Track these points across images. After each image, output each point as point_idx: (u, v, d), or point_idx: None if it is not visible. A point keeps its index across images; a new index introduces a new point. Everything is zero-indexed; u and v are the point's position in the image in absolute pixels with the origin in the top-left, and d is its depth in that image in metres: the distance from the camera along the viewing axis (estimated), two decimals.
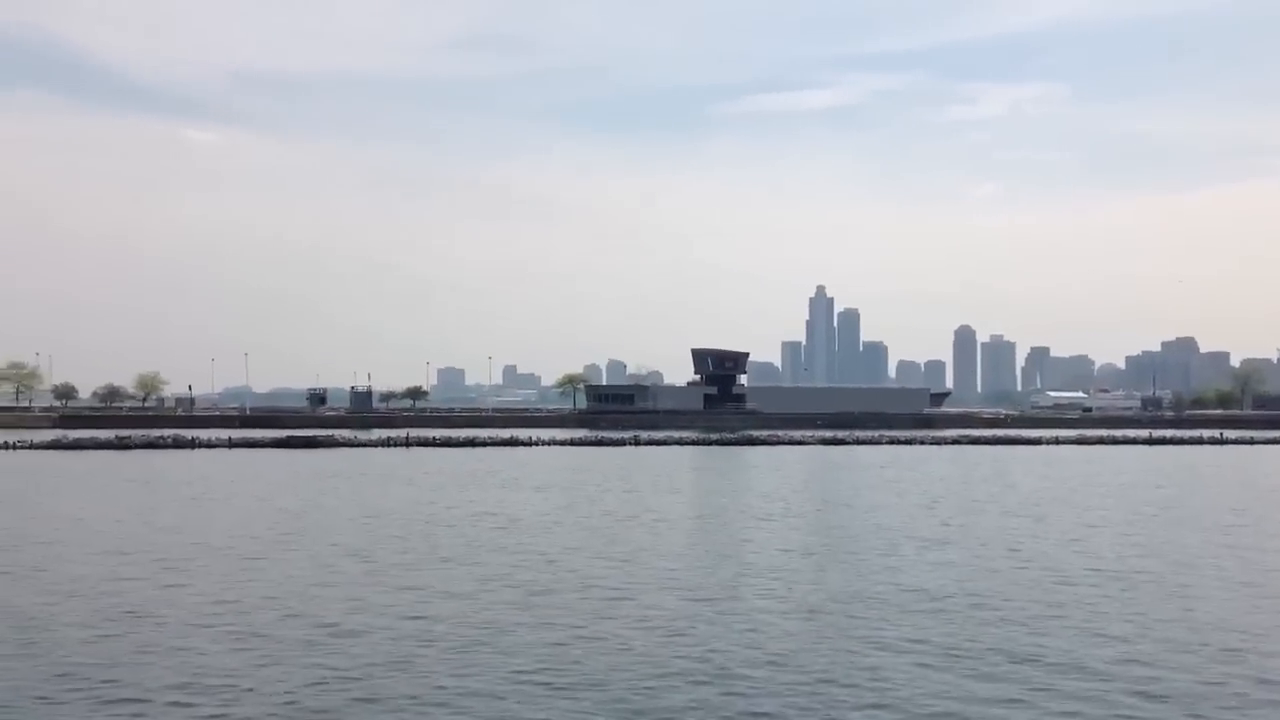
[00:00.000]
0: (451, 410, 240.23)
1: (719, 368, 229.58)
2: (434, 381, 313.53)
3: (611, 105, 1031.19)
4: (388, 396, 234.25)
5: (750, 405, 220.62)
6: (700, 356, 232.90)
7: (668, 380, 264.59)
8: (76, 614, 27.74)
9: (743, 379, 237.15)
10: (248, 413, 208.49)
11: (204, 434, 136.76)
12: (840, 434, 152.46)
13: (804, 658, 23.63)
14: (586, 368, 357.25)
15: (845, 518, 51.82)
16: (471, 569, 35.23)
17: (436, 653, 23.84)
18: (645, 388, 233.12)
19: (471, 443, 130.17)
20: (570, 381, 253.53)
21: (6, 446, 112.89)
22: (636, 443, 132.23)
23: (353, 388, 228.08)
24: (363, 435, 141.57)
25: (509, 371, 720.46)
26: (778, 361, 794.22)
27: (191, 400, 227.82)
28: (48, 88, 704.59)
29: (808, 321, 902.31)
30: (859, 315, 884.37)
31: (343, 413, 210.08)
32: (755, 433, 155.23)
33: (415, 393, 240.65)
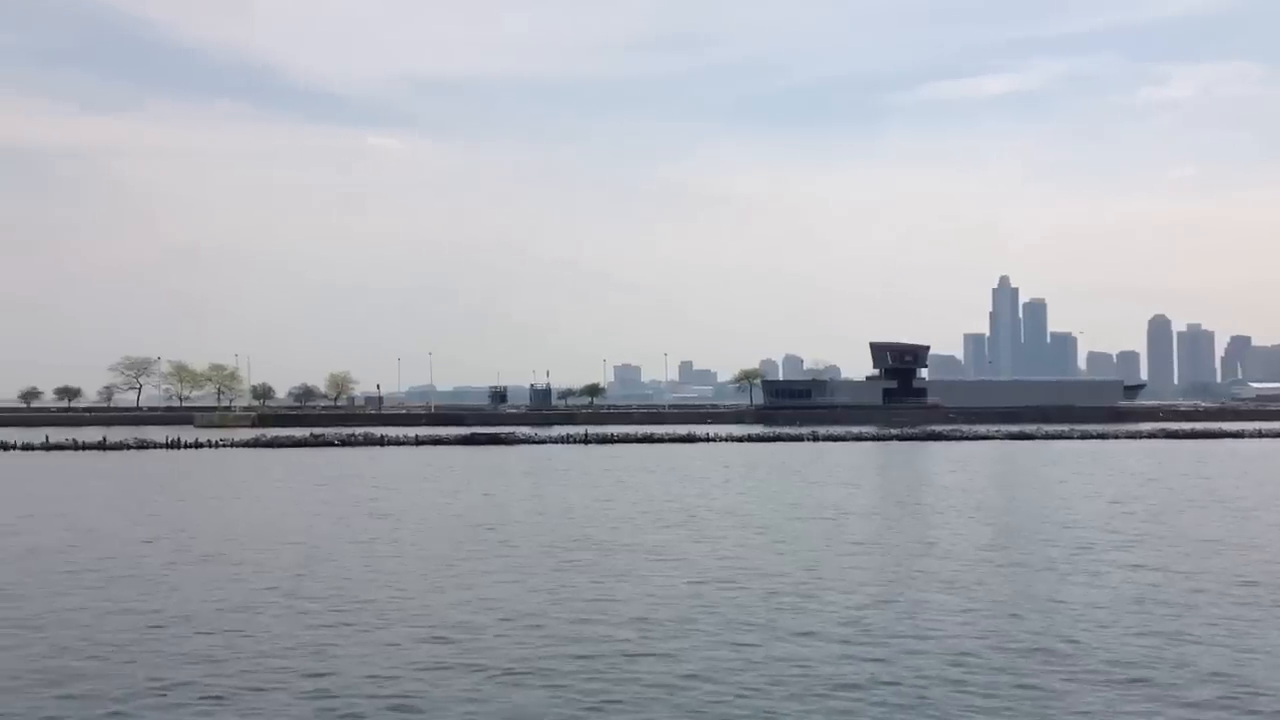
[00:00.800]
0: (629, 407, 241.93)
1: (898, 361, 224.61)
2: (611, 378, 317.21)
3: (786, 98, 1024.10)
4: (566, 394, 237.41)
5: (931, 399, 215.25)
6: (879, 350, 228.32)
7: (845, 375, 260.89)
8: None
9: (923, 372, 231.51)
10: (433, 411, 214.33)
11: (392, 431, 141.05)
12: (1027, 428, 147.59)
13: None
14: (763, 363, 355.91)
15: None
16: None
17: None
18: (823, 382, 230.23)
19: (649, 439, 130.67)
20: (747, 377, 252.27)
21: (210, 444, 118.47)
22: (815, 438, 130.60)
23: (532, 385, 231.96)
24: (542, 432, 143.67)
25: (685, 368, 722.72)
26: (960, 354, 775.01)
27: (380, 399, 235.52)
28: (245, 99, 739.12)
29: (991, 313, 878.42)
30: (1045, 306, 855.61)
31: (523, 410, 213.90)
32: (937, 427, 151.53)
33: (593, 390, 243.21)
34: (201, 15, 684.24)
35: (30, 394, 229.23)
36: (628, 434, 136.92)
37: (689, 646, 23.79)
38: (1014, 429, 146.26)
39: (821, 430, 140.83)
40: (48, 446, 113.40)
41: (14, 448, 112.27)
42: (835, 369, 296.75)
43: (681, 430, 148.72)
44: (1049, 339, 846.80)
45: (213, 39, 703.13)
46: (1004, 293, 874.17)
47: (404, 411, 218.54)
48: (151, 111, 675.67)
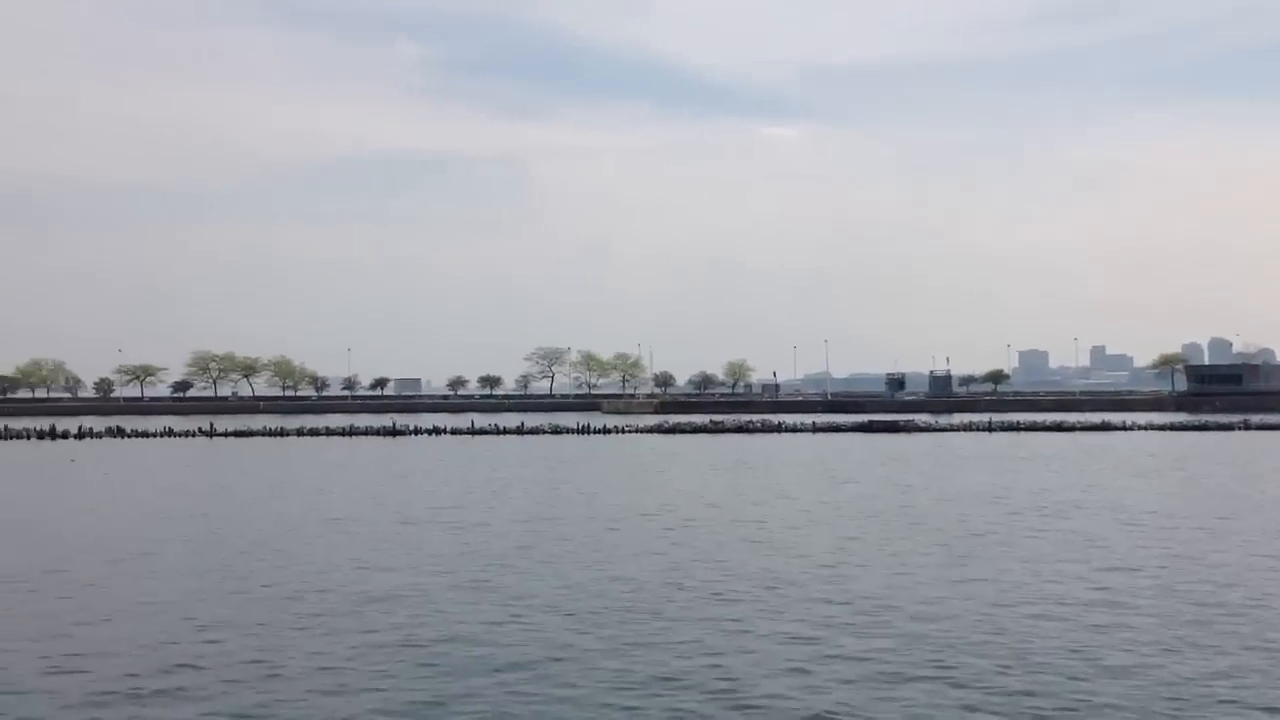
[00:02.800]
0: (1035, 394, 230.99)
1: None
2: (1015, 364, 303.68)
3: (1198, 67, 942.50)
4: (967, 380, 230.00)
5: None
6: None
7: None
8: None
9: None
10: (829, 398, 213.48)
11: (789, 419, 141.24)
12: None
13: None
14: (1185, 346, 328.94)
15: None
16: None
17: None
18: (1255, 367, 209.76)
19: (1059, 427, 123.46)
20: (1167, 362, 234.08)
21: (617, 430, 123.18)
22: (1246, 427, 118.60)
23: (931, 372, 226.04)
24: (943, 420, 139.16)
25: (1096, 353, 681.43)
26: None
27: (776, 386, 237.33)
28: (644, 97, 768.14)
29: None
30: None
31: (921, 397, 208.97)
32: None
33: (996, 376, 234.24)
34: (604, 18, 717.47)
35: (457, 382, 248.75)
36: (1034, 422, 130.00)
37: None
38: None
39: (1254, 419, 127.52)
40: (473, 431, 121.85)
41: (444, 432, 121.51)
42: (1269, 352, 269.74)
43: (1095, 418, 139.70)
44: None
45: (614, 41, 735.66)
46: None
47: (799, 398, 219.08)
48: (559, 114, 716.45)
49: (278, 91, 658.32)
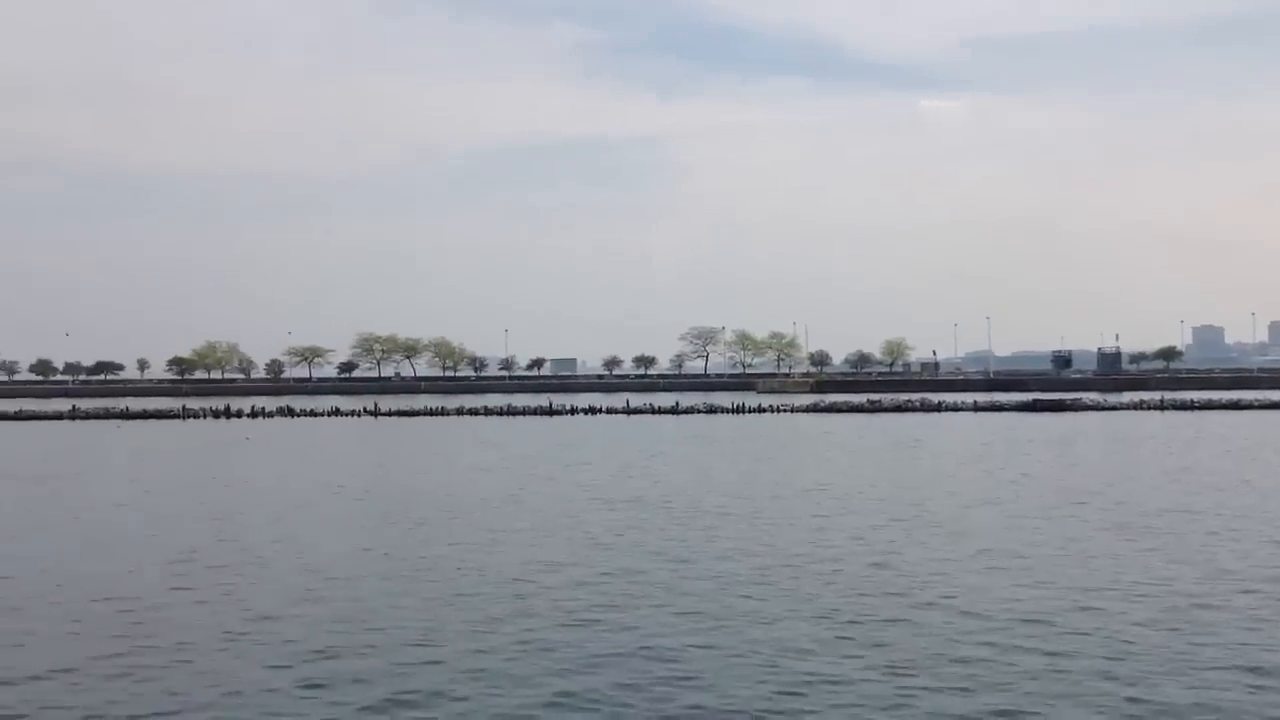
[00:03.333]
0: (1209, 371, 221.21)
1: None
2: (1188, 341, 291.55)
3: None
4: (1138, 358, 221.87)
5: None
6: None
7: None
8: None
9: None
10: (991, 376, 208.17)
11: (949, 398, 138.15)
12: None
13: None
14: None
15: None
16: None
17: None
18: None
19: (1236, 405, 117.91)
20: None
21: (771, 410, 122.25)
22: None
23: (1100, 349, 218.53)
24: (1111, 398, 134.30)
25: (1275, 328, 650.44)
26: None
27: (936, 365, 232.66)
28: (802, 74, 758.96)
29: None
30: None
31: (1089, 375, 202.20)
32: None
33: (1168, 353, 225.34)
34: None
35: (612, 362, 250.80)
36: (1210, 400, 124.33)
37: None
38: None
39: None
40: (629, 411, 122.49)
41: (600, 411, 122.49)
42: None
43: (1275, 395, 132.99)
44: None
45: (772, 19, 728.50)
46: None
47: (960, 377, 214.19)
48: (712, 92, 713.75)
49: (440, 76, 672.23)
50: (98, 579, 27.50)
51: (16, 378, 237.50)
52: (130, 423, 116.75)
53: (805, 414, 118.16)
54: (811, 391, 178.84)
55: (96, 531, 36.29)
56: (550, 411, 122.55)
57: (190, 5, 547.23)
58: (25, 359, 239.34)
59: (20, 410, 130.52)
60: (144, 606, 24.25)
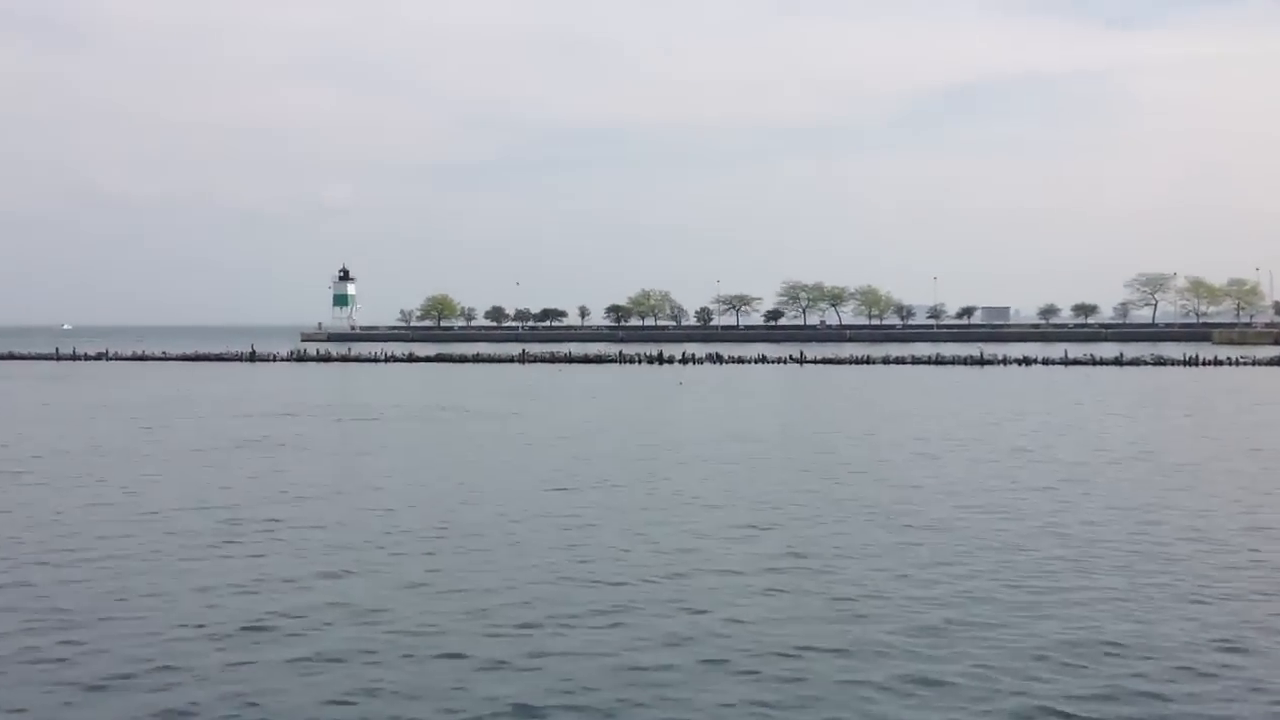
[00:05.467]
0: None
1: None
2: None
3: None
4: None
5: None
6: None
7: None
8: None
9: None
10: None
11: None
12: None
13: None
14: None
15: None
16: None
17: None
18: None
19: None
20: None
21: (1230, 362, 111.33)
22: None
23: None
24: None
25: None
26: None
27: None
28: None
29: None
30: None
31: None
32: None
33: None
34: None
35: (1049, 310, 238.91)
36: None
37: None
38: None
39: None
40: (1066, 361, 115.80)
41: (1035, 362, 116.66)
42: None
43: None
44: None
45: None
46: None
47: None
48: (1160, 24, 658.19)
49: (868, 19, 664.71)
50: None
51: (474, 323, 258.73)
52: (571, 366, 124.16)
53: (1271, 367, 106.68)
54: (1276, 343, 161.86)
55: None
56: (981, 361, 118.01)
57: None
58: (481, 306, 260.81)
59: (478, 354, 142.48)
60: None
